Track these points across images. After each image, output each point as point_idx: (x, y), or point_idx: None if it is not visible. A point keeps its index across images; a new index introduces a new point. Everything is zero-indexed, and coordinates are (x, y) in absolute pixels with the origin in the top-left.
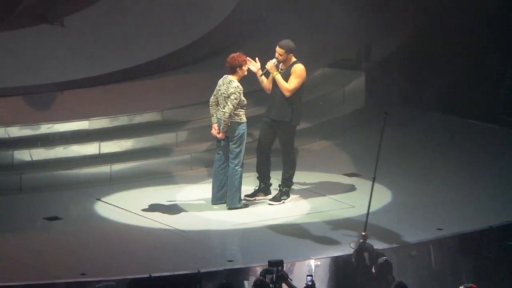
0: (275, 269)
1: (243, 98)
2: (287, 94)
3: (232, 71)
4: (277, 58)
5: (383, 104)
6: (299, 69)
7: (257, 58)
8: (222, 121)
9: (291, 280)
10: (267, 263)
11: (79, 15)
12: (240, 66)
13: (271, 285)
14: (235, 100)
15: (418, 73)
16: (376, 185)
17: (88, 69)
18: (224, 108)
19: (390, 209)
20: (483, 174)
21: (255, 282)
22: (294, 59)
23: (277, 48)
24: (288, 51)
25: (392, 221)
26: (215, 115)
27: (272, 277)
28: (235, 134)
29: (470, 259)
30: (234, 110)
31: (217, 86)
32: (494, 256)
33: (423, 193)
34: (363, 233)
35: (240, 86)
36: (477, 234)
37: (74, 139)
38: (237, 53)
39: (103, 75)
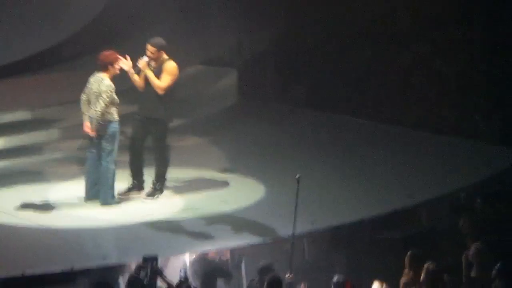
0: (149, 264)
1: (115, 96)
2: (160, 92)
3: (104, 69)
4: (148, 56)
5: (255, 100)
6: (171, 66)
7: (127, 56)
8: (94, 119)
9: (165, 276)
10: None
11: None
12: (112, 64)
13: (145, 281)
14: (107, 99)
15: (290, 69)
16: (249, 180)
17: None
18: (96, 107)
19: (264, 204)
20: (355, 168)
21: (129, 278)
22: (166, 56)
23: (148, 46)
24: (159, 48)
25: (266, 215)
26: (86, 113)
27: (147, 272)
28: (108, 132)
29: (343, 251)
30: (106, 109)
31: (88, 84)
32: (367, 248)
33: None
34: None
35: (112, 85)
36: (349, 227)
37: None
38: (110, 51)
39: None
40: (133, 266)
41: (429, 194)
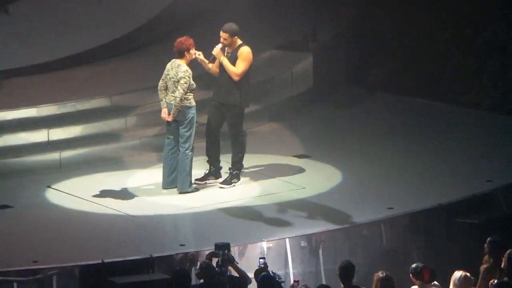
0: (221, 252)
1: (192, 82)
2: (235, 78)
3: (180, 55)
4: (222, 43)
5: (331, 85)
6: (245, 52)
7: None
8: (172, 106)
9: (238, 263)
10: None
11: (24, 2)
12: (188, 50)
13: (217, 269)
14: (185, 84)
15: (365, 53)
16: (325, 166)
17: (34, 56)
18: (174, 93)
19: (340, 190)
20: (431, 152)
21: (200, 265)
22: (240, 42)
23: (221, 33)
24: (232, 34)
25: (342, 201)
26: (164, 100)
27: (218, 260)
28: (185, 118)
29: (420, 237)
30: (184, 94)
31: (166, 70)
32: (445, 234)
33: (372, 173)
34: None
35: (189, 70)
36: (427, 212)
37: (22, 126)
38: (184, 37)
39: (50, 62)
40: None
41: (509, 178)
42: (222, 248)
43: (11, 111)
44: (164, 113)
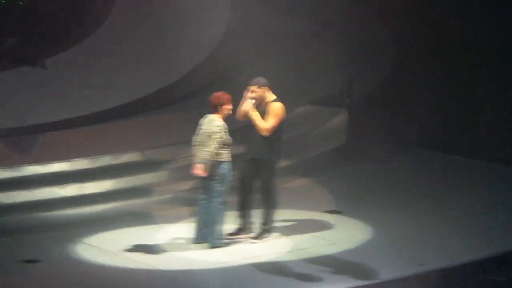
0: None
1: (228, 136)
2: (264, 133)
3: (215, 110)
4: (252, 97)
5: (365, 140)
6: (276, 107)
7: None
8: (206, 160)
9: None
10: None
11: (61, 57)
12: (222, 105)
13: None
14: (219, 139)
15: (399, 109)
16: (356, 222)
17: (69, 111)
18: (208, 147)
19: (371, 246)
20: (465, 208)
21: None
22: (273, 97)
23: (250, 87)
24: (261, 86)
25: (373, 257)
26: (198, 155)
27: None
28: (218, 173)
29: None
30: (218, 149)
31: (199, 125)
32: None
33: (404, 228)
34: None
35: (225, 124)
36: (460, 269)
37: (56, 180)
38: (220, 92)
39: (84, 116)
40: None
41: None
42: None
43: (45, 165)
44: (197, 168)
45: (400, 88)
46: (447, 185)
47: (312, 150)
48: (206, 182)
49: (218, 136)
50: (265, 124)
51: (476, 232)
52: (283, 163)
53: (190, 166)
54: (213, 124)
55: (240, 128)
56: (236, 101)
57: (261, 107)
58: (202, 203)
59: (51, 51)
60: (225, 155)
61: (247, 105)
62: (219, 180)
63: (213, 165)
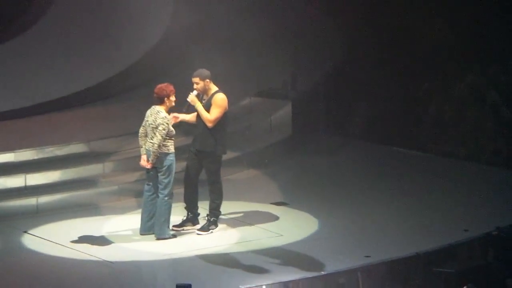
0: None
1: (171, 128)
2: (209, 124)
3: (160, 101)
4: (195, 89)
5: (310, 133)
6: (219, 99)
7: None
8: (151, 152)
9: None
10: None
11: (5, 46)
12: (168, 96)
13: None
14: (163, 131)
15: (343, 102)
16: (303, 213)
17: (13, 101)
18: (152, 139)
19: (317, 238)
20: (410, 201)
21: None
22: (215, 89)
23: (192, 79)
24: (202, 78)
25: (320, 249)
26: (144, 146)
27: None
28: (164, 165)
29: (398, 286)
30: (163, 141)
31: (145, 117)
32: (422, 282)
33: (350, 221)
34: None
35: (168, 116)
36: (405, 261)
37: (0, 171)
38: (165, 84)
39: (29, 106)
40: None
41: (486, 228)
42: None
43: None
44: (143, 160)
45: (345, 81)
46: (391, 178)
47: (257, 142)
48: (152, 174)
49: (162, 128)
50: (209, 116)
51: (421, 224)
52: (229, 155)
53: (135, 157)
54: (158, 116)
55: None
56: (180, 95)
57: (204, 99)
58: (147, 195)
59: None
60: (170, 146)
61: (190, 97)
62: (165, 171)
63: (159, 157)
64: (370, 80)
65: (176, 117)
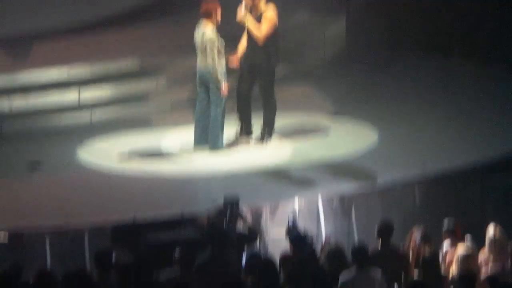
0: (229, 207)
1: (221, 43)
2: (259, 39)
3: (208, 16)
4: (246, 4)
5: (365, 47)
6: (269, 14)
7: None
8: (203, 73)
9: (246, 219)
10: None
11: None
12: (216, 10)
13: (225, 224)
14: (212, 51)
15: (399, 14)
16: (359, 125)
17: (65, 18)
18: (202, 61)
19: (375, 149)
20: (467, 111)
21: (209, 220)
22: (265, 4)
23: None
24: None
25: (377, 160)
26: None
27: (227, 214)
28: (215, 83)
29: (454, 196)
30: (217, 59)
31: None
32: (479, 193)
33: (407, 133)
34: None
35: (214, 37)
36: (462, 171)
37: (53, 86)
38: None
39: (81, 21)
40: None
41: None
42: (230, 204)
43: (41, 72)
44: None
45: None
46: (448, 89)
47: (311, 56)
48: (204, 91)
49: (210, 48)
50: (258, 32)
51: (478, 135)
52: (282, 70)
53: (186, 72)
54: (205, 37)
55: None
56: (228, 11)
57: (255, 12)
58: (200, 108)
59: None
60: (221, 62)
61: (241, 11)
62: (217, 90)
63: (212, 76)
64: None
65: (236, 58)
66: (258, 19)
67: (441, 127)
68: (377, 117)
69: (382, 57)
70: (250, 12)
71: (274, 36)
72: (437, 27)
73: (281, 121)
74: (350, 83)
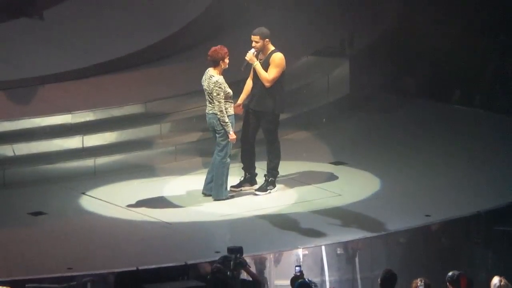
0: (233, 256)
1: (228, 90)
2: (267, 84)
3: (214, 64)
4: (254, 47)
5: (368, 91)
6: (277, 58)
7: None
8: (210, 116)
9: (250, 267)
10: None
11: (59, 8)
12: (223, 59)
13: (229, 273)
14: (217, 96)
15: (402, 59)
16: (363, 172)
17: (69, 62)
18: (210, 104)
19: (378, 197)
20: (470, 159)
21: (212, 269)
22: (272, 48)
23: (252, 37)
24: (263, 37)
25: (380, 209)
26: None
27: (231, 264)
28: (221, 127)
29: (458, 245)
30: (224, 104)
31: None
32: (483, 241)
33: (410, 180)
34: None
35: (220, 80)
36: (465, 220)
37: (57, 133)
38: (219, 46)
39: (85, 68)
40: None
41: None
42: (235, 252)
43: (45, 118)
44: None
45: (403, 38)
46: (451, 136)
47: (315, 101)
48: (212, 137)
49: (216, 93)
50: (267, 75)
51: (482, 183)
52: (286, 114)
53: (191, 118)
54: (211, 81)
55: (241, 80)
56: (235, 54)
57: (261, 58)
58: (214, 156)
59: (49, 1)
60: (229, 108)
61: (249, 55)
62: (223, 134)
63: (217, 119)
64: (428, 38)
65: (239, 107)
66: (265, 63)
67: (445, 174)
68: (380, 165)
69: (385, 101)
70: (257, 54)
71: (280, 80)
72: (442, 71)
73: (285, 168)
74: (353, 128)
